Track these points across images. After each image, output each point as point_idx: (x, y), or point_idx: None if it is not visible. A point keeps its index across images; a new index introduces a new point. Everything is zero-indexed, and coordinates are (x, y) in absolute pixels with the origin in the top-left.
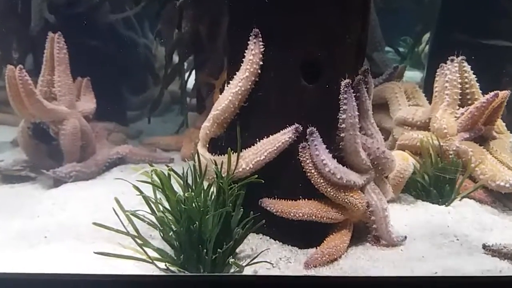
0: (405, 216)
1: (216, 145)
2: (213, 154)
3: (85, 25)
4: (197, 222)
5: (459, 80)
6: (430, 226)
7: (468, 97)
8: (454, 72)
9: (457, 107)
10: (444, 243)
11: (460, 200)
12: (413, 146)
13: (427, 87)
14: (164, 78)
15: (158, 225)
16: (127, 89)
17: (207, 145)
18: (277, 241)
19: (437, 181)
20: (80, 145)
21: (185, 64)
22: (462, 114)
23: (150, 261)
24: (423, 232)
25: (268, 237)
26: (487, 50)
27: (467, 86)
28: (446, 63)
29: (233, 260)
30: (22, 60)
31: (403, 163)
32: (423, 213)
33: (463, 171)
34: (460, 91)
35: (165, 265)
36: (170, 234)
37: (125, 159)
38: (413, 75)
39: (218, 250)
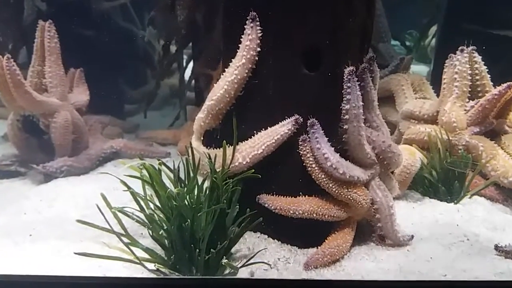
0: (411, 214)
1: (211, 138)
2: (208, 147)
3: (79, 14)
4: (189, 220)
5: (469, 72)
6: (438, 225)
7: (479, 89)
8: (464, 63)
9: (467, 100)
10: (453, 243)
11: (470, 197)
12: (420, 140)
13: (434, 81)
14: (160, 70)
15: (148, 223)
16: (124, 82)
17: (202, 138)
18: (275, 240)
19: (445, 177)
20: (72, 139)
21: (185, 56)
22: (472, 107)
23: (138, 261)
24: (431, 232)
25: (266, 236)
26: (498, 41)
27: (477, 77)
28: (455, 54)
29: (226, 261)
30: (16, 51)
31: (409, 158)
32: (431, 211)
33: (473, 167)
34: (470, 83)
35: (155, 265)
36: (160, 232)
37: (120, 153)
38: (419, 69)
39: (212, 250)
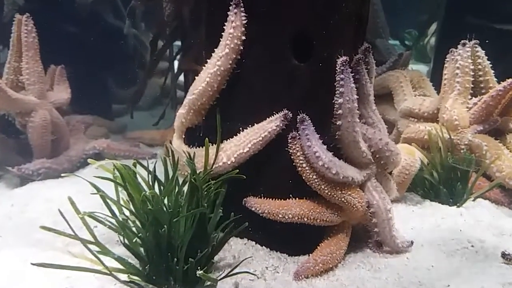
0: (411, 219)
1: (193, 136)
2: (190, 146)
3: (62, 10)
4: (165, 226)
5: (472, 67)
6: (440, 230)
7: (482, 85)
8: (466, 57)
9: (470, 97)
10: (457, 250)
11: (473, 200)
12: (420, 139)
13: (434, 80)
14: (146, 67)
15: (120, 229)
16: (113, 81)
17: (183, 136)
18: (263, 247)
19: (447, 179)
20: (52, 140)
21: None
22: (475, 104)
23: (108, 272)
24: (432, 237)
25: (253, 243)
26: (502, 35)
27: (480, 73)
28: (456, 48)
29: (201, 272)
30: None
31: (409, 157)
32: (432, 215)
33: (477, 168)
34: (473, 79)
35: (128, 276)
36: (134, 240)
37: (103, 154)
38: (418, 69)
39: (190, 259)
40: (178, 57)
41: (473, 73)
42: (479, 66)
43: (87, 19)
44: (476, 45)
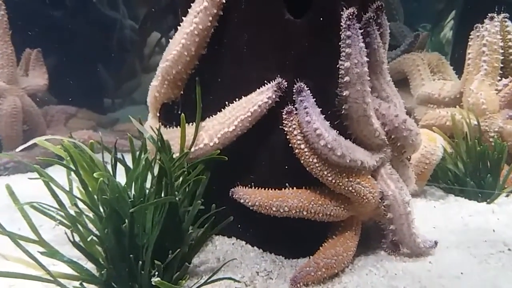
0: (433, 216)
1: (170, 114)
2: (167, 126)
3: None
4: (127, 220)
5: (501, 44)
6: (468, 230)
7: None
8: (494, 33)
9: (498, 78)
10: (491, 254)
11: (506, 196)
12: (441, 126)
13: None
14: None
15: (70, 225)
16: (107, 74)
17: (158, 114)
18: (254, 248)
19: (475, 170)
20: (24, 130)
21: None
22: (506, 85)
23: (52, 278)
24: (459, 238)
25: (243, 243)
26: None
27: (511, 50)
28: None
29: (157, 279)
30: None
31: (429, 144)
32: (458, 212)
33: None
34: (502, 57)
35: (80, 284)
36: (89, 239)
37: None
38: None
39: (156, 262)
40: None
41: (502, 51)
42: (510, 43)
43: (81, 8)
44: (506, 19)
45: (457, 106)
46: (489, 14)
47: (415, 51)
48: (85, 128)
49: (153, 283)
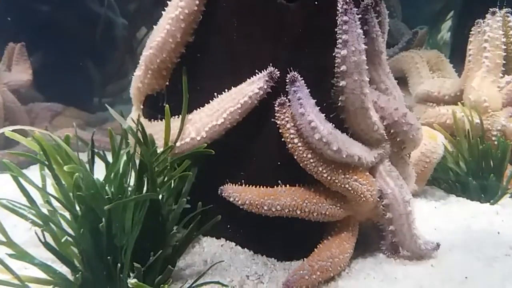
0: (434, 217)
1: (155, 106)
2: (151, 119)
3: None
4: (104, 219)
5: (503, 39)
6: (471, 231)
7: None
8: (496, 28)
9: (501, 74)
10: (496, 257)
11: (511, 197)
12: (441, 125)
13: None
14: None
15: (41, 224)
16: (97, 73)
17: (142, 106)
18: (245, 250)
19: (477, 170)
20: (5, 127)
21: None
22: (508, 82)
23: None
24: (463, 240)
25: (232, 244)
26: None
27: None
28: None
29: (134, 281)
30: None
31: (429, 142)
32: (460, 213)
33: None
34: (505, 54)
35: None
36: (63, 240)
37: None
38: None
39: (135, 265)
40: None
41: (504, 47)
42: None
43: (69, 3)
44: (508, 14)
45: (458, 104)
46: (490, 9)
47: (414, 49)
48: (66, 124)
49: (129, 285)
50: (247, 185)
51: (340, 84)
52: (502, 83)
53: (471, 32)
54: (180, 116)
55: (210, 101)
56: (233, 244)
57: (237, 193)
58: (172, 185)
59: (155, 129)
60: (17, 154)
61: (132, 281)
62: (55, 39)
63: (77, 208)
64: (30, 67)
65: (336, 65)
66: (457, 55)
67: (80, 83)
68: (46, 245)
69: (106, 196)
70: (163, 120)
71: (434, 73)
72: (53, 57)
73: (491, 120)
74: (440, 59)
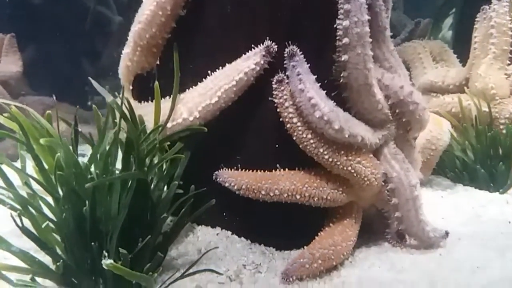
0: (441, 206)
1: (145, 87)
2: (141, 101)
3: None
4: (87, 202)
5: (510, 25)
6: (481, 221)
7: None
8: (503, 13)
9: (508, 62)
10: (509, 246)
11: None
12: (446, 114)
13: None
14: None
15: (19, 208)
16: (92, 69)
17: (131, 87)
18: (242, 239)
19: (485, 158)
20: None
21: None
22: None
23: None
24: (472, 230)
25: (229, 233)
26: None
27: None
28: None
29: (110, 262)
30: None
31: (435, 129)
32: (468, 202)
33: None
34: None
35: (31, 279)
36: (43, 224)
37: None
38: None
39: (121, 250)
40: None
41: (511, 33)
42: None
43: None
44: None
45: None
46: None
47: (416, 39)
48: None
49: (103, 266)
50: (244, 170)
51: (342, 59)
52: (510, 70)
53: (476, 19)
54: (172, 96)
55: (204, 79)
56: (229, 233)
57: (233, 177)
58: (164, 169)
59: (145, 110)
60: None
61: (107, 262)
62: (46, 33)
63: (60, 191)
64: (20, 58)
65: (337, 37)
66: (459, 52)
67: (72, 78)
68: (24, 230)
69: (90, 176)
70: (154, 101)
71: (437, 64)
72: (45, 51)
73: (499, 108)
74: (443, 49)
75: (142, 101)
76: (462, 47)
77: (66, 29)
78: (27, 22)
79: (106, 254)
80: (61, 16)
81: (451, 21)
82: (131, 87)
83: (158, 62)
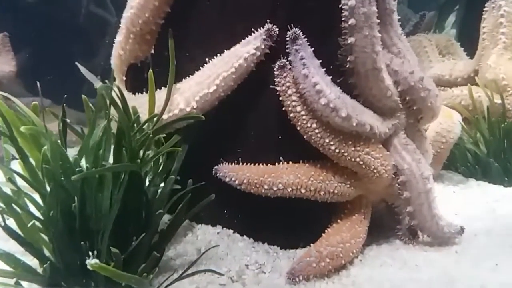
0: (452, 201)
1: (139, 77)
2: (136, 93)
3: None
4: (76, 198)
5: None
6: (496, 216)
7: None
8: None
9: None
10: None
11: None
12: (455, 107)
13: None
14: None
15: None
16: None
17: (124, 78)
18: (244, 237)
19: (498, 151)
20: None
21: None
22: None
23: None
24: (488, 226)
25: (230, 231)
26: None
27: None
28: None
29: (95, 262)
30: None
31: (445, 121)
32: (482, 198)
33: None
34: None
35: (16, 283)
36: (29, 224)
37: None
38: None
39: (113, 250)
40: None
41: None
42: None
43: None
44: None
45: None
46: None
47: (421, 33)
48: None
49: (88, 266)
50: (245, 164)
51: (349, 41)
52: None
53: (485, 9)
54: (167, 86)
55: (201, 67)
56: (231, 231)
57: (234, 172)
58: (160, 163)
59: (139, 101)
60: None
61: (92, 261)
62: (42, 35)
63: (47, 187)
64: (14, 58)
65: (343, 18)
66: (464, 49)
67: (70, 80)
68: (6, 229)
69: (79, 170)
70: (148, 91)
71: (444, 57)
72: (41, 53)
73: (511, 99)
74: (450, 42)
75: (137, 93)
76: (466, 43)
77: (63, 30)
78: (22, 23)
79: (90, 253)
80: (58, 17)
81: (454, 19)
82: (124, 78)
83: (152, 51)
